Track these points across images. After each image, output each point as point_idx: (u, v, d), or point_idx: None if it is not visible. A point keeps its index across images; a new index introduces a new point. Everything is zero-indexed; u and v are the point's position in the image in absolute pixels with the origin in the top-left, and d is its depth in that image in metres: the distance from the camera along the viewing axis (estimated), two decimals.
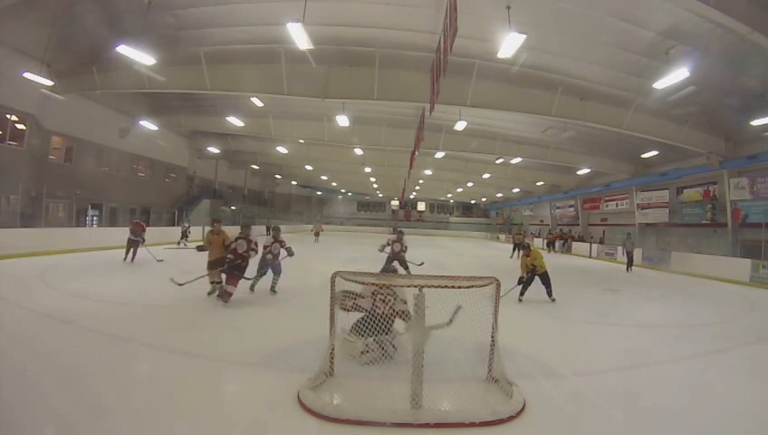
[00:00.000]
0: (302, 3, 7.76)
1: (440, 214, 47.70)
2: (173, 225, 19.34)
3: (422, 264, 9.88)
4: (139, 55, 9.41)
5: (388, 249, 9.09)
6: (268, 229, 27.81)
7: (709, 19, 7.49)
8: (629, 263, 14.46)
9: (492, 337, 3.40)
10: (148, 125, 17.69)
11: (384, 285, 3.76)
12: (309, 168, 29.46)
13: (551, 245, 24.59)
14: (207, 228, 7.58)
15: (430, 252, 19.20)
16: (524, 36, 7.61)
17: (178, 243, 16.36)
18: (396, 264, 8.67)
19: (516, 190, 33.21)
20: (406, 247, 9.12)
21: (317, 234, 23.93)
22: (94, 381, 3.23)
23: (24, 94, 12.53)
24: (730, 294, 9.77)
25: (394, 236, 9.21)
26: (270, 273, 7.06)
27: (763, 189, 13.74)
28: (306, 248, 17.70)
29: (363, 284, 3.39)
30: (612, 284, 11.10)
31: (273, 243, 6.99)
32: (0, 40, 11.03)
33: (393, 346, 3.90)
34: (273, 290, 7.00)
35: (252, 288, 6.92)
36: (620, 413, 3.03)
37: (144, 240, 10.87)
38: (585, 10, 8.19)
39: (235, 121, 16.45)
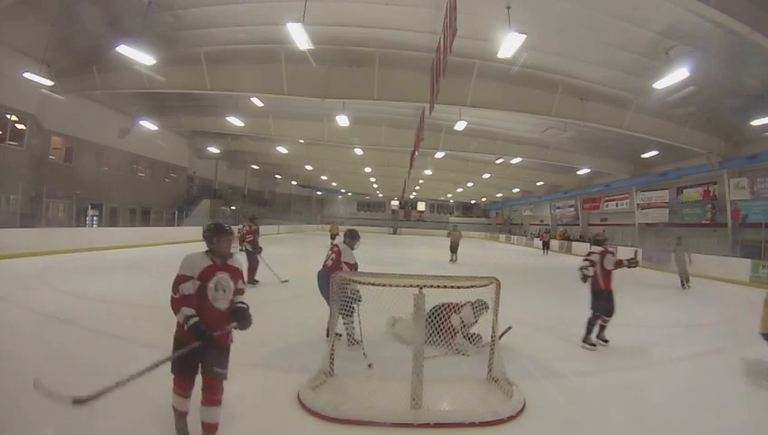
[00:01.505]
0: (302, 3, 7.76)
1: (440, 214, 47.70)
2: (173, 225, 19.33)
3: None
4: (138, 55, 9.42)
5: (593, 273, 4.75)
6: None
7: (709, 19, 7.49)
8: (684, 279, 10.27)
9: (492, 337, 3.40)
10: (148, 125, 17.70)
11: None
12: (309, 168, 29.47)
13: (546, 245, 23.42)
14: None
15: (430, 252, 19.21)
16: (524, 36, 7.61)
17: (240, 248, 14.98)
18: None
19: (516, 190, 33.22)
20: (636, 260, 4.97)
21: (334, 236, 18.16)
22: (94, 381, 3.22)
23: (24, 94, 12.53)
24: (730, 295, 9.76)
25: (597, 250, 4.78)
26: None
27: (763, 189, 13.74)
28: (309, 249, 17.74)
29: (370, 284, 3.34)
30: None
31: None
32: (0, 40, 11.02)
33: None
34: (355, 342, 4.15)
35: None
36: (620, 413, 3.03)
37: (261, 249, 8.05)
38: (585, 10, 8.20)
39: (235, 121, 16.45)
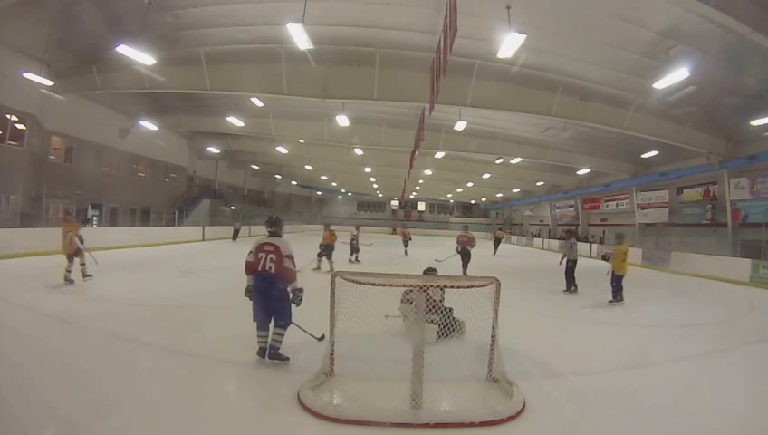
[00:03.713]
0: (302, 3, 7.76)
1: (440, 214, 47.73)
2: (173, 225, 19.31)
3: None
4: (138, 55, 9.43)
5: None
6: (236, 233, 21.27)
7: (709, 19, 7.49)
8: (569, 279, 8.61)
9: (492, 337, 3.39)
10: (148, 125, 17.70)
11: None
12: (309, 168, 29.49)
13: (497, 245, 21.67)
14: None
15: (430, 252, 19.20)
16: (524, 36, 7.62)
17: (350, 259, 12.98)
18: None
19: (516, 190, 33.24)
20: None
21: (407, 243, 17.59)
22: (94, 381, 3.23)
23: (24, 94, 12.52)
24: (730, 294, 9.76)
25: None
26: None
27: (763, 189, 13.75)
28: (310, 248, 17.70)
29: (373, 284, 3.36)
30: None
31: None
32: (0, 40, 11.02)
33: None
34: (274, 357, 3.73)
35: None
36: (620, 413, 3.03)
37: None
38: (585, 10, 8.20)
39: (235, 121, 16.45)
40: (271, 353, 3.69)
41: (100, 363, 3.59)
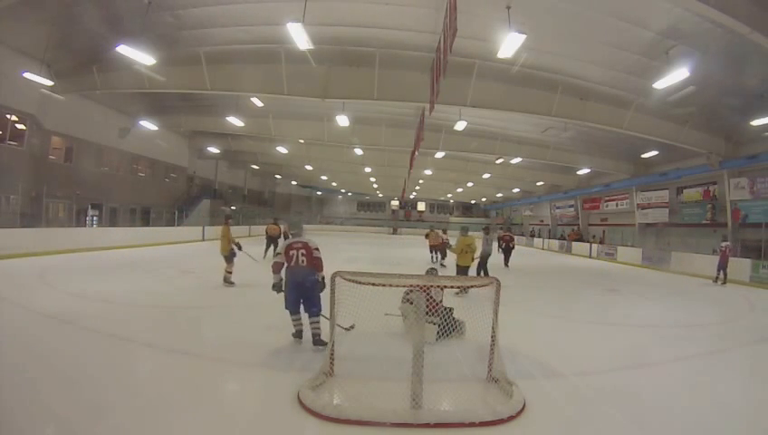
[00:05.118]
0: (302, 3, 7.76)
1: (440, 214, 47.69)
2: (173, 225, 19.31)
3: None
4: (139, 55, 9.42)
5: None
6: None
7: (709, 19, 7.48)
8: (484, 272, 9.03)
9: (492, 337, 3.40)
10: (148, 125, 17.68)
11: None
12: (309, 168, 29.46)
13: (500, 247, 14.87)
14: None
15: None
16: (524, 36, 7.60)
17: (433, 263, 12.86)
18: None
19: (516, 190, 33.22)
20: None
21: (433, 247, 14.11)
22: (94, 381, 3.23)
23: (24, 94, 12.51)
24: (730, 295, 9.76)
25: None
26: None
27: (763, 189, 13.74)
28: None
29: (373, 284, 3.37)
30: (612, 284, 11.11)
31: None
32: (0, 40, 11.02)
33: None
34: (318, 343, 4.20)
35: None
36: (620, 413, 3.03)
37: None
38: (585, 10, 8.19)
39: (235, 121, 16.43)
40: (315, 341, 4.19)
41: (100, 363, 3.59)
